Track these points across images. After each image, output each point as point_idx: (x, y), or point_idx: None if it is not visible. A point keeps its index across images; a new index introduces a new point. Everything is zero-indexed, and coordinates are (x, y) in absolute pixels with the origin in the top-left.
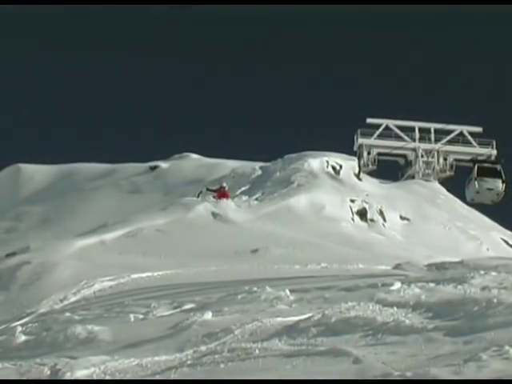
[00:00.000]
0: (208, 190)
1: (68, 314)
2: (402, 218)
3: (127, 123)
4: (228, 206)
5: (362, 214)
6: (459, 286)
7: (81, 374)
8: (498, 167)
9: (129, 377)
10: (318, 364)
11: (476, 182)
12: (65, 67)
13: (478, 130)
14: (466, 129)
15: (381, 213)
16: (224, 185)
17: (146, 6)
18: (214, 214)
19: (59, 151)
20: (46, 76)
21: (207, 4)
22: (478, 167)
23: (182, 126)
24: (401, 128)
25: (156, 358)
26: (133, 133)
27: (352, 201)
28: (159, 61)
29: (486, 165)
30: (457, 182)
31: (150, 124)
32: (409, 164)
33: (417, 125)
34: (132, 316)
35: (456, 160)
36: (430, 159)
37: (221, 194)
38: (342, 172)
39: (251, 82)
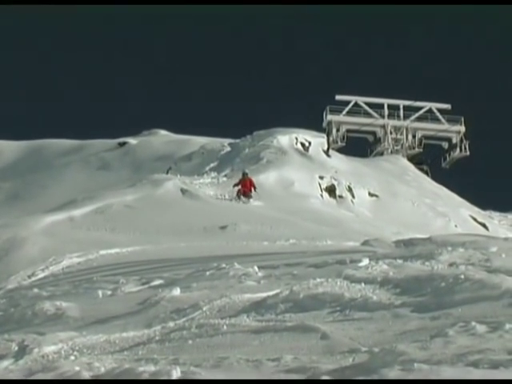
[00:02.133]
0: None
1: (36, 290)
2: (370, 194)
3: (96, 98)
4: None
5: (331, 190)
6: (427, 263)
7: (49, 350)
8: (425, 167)
9: (96, 353)
10: (285, 340)
11: None
12: (32, 39)
13: (447, 106)
14: (434, 105)
15: (349, 189)
16: (246, 171)
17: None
18: (183, 191)
19: (27, 127)
20: (14, 50)
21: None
22: None
23: (151, 101)
24: (370, 105)
25: (124, 334)
26: (101, 108)
27: (321, 177)
28: (128, 35)
29: (413, 166)
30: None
31: (119, 99)
32: (378, 141)
33: (386, 102)
34: (100, 292)
35: (424, 137)
36: (398, 136)
37: (244, 183)
38: (310, 149)
39: (219, 58)
